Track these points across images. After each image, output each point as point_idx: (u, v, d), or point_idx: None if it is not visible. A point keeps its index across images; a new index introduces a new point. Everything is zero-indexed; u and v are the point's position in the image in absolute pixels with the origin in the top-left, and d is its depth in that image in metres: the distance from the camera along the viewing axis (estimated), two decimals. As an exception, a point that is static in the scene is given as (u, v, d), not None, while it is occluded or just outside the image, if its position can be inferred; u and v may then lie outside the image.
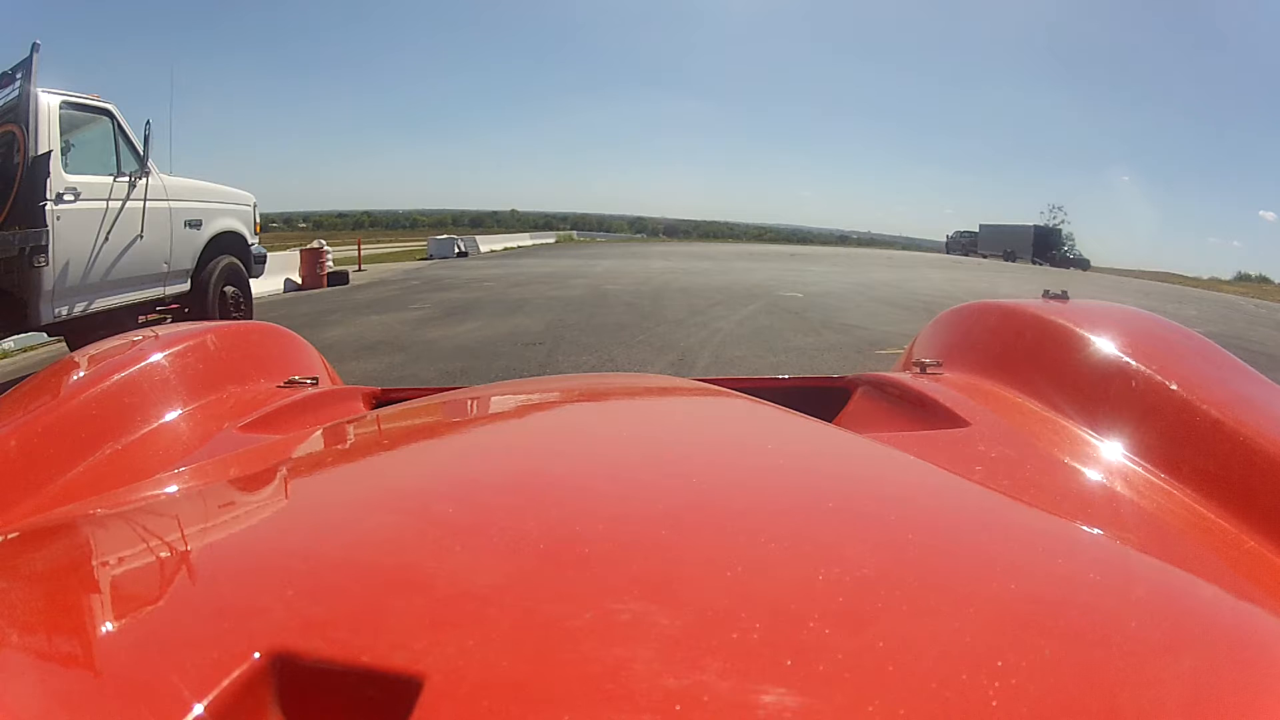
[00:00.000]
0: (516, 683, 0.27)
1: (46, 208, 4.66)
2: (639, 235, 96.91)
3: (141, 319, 5.68)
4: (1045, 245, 45.50)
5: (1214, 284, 36.24)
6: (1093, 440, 0.67)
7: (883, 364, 5.21)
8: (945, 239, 57.59)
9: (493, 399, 0.83)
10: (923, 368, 0.96)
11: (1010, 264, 36.64)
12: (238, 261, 6.66)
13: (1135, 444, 0.64)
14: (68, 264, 4.87)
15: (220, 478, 0.62)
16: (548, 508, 0.43)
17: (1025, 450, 0.67)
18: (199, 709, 0.27)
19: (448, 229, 74.22)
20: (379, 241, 37.29)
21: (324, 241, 14.42)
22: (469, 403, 0.82)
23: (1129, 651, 0.30)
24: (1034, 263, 40.67)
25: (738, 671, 0.27)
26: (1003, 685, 0.26)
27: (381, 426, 0.72)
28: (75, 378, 0.81)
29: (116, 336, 0.97)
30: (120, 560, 0.45)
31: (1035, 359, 0.83)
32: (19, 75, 4.83)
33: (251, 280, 6.96)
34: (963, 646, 0.29)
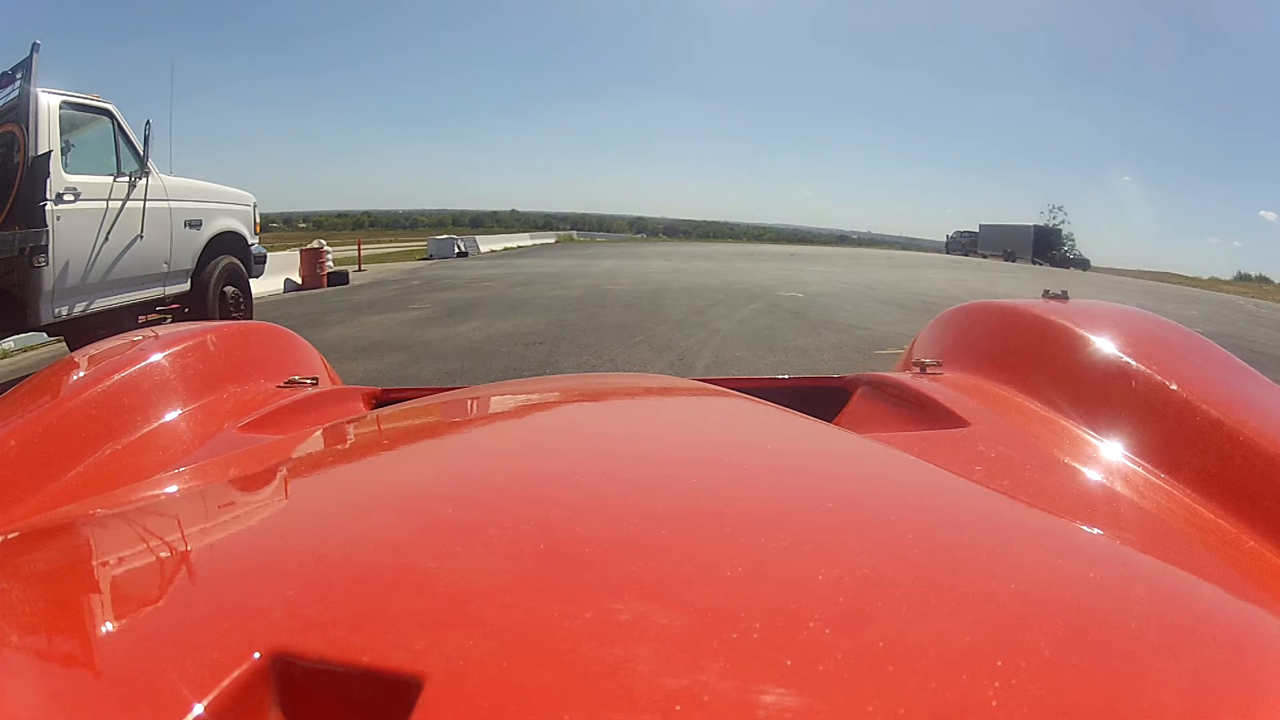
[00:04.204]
0: (516, 683, 0.27)
1: (46, 208, 4.66)
2: (639, 235, 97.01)
3: (141, 319, 5.68)
4: (1045, 245, 45.47)
5: (1214, 284, 36.22)
6: (1093, 440, 0.67)
7: (883, 364, 5.21)
8: (945, 239, 57.57)
9: (493, 399, 0.83)
10: (923, 368, 0.96)
11: (1010, 264, 36.62)
12: (238, 261, 6.66)
13: (1135, 444, 0.64)
14: (68, 264, 4.87)
15: (220, 478, 0.62)
16: (548, 508, 0.43)
17: (1025, 450, 0.67)
18: (199, 709, 0.27)
19: (448, 229, 74.29)
20: (379, 241, 37.29)
21: (324, 241, 14.41)
22: (469, 403, 0.82)
23: (1129, 651, 0.30)
24: (1034, 263, 40.66)
25: (738, 671, 0.27)
26: (1003, 685, 0.26)
27: (381, 426, 0.72)
28: (75, 378, 0.81)
29: (116, 336, 0.97)
30: (120, 560, 0.45)
31: (1035, 359, 0.83)
32: (19, 75, 4.83)
33: (251, 280, 6.96)
34: (963, 646, 0.29)
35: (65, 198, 4.82)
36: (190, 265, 6.12)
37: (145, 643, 0.33)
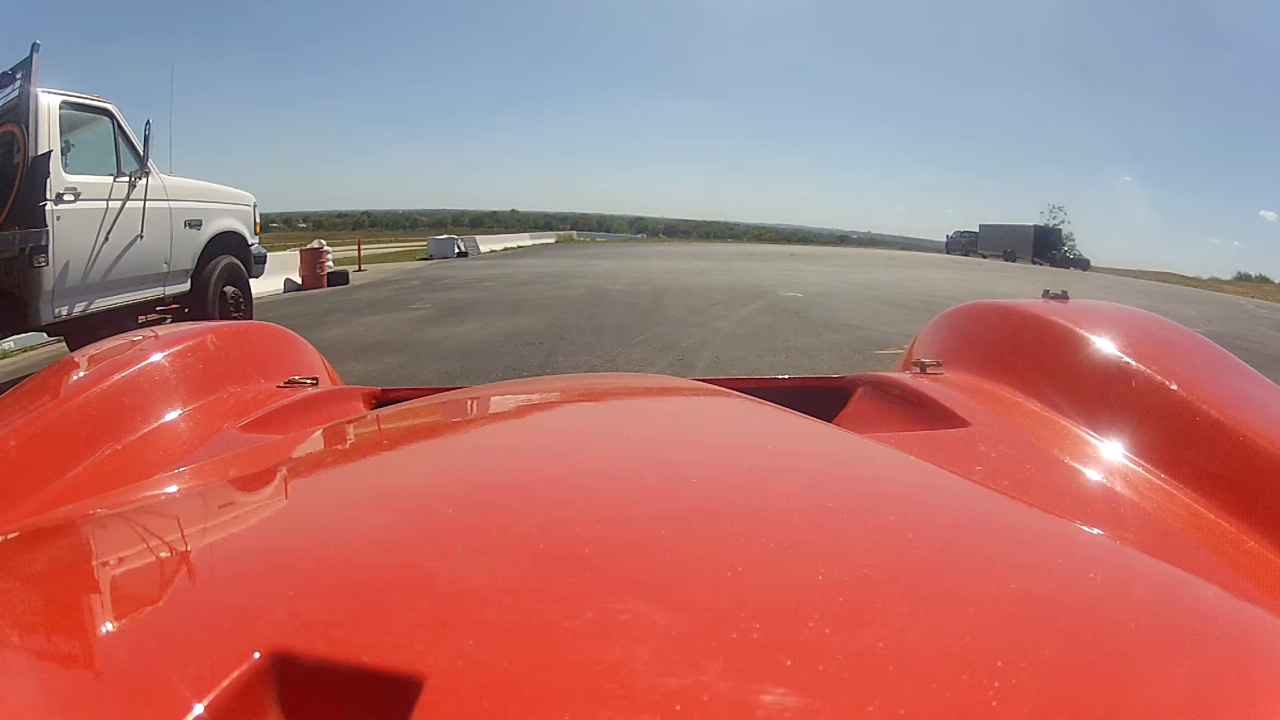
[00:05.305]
0: (516, 683, 0.27)
1: (46, 208, 4.66)
2: (639, 235, 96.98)
3: (141, 319, 5.68)
4: (1045, 245, 45.45)
5: (1214, 284, 36.25)
6: (1093, 440, 0.67)
7: (883, 364, 5.21)
8: (945, 239, 57.57)
9: (493, 399, 0.83)
10: (923, 368, 0.96)
11: (1010, 264, 36.63)
12: (238, 261, 6.66)
13: (1135, 444, 0.64)
14: (68, 264, 4.86)
15: (220, 478, 0.62)
16: (548, 508, 0.43)
17: (1025, 450, 0.67)
18: (199, 709, 0.27)
19: (448, 229, 74.23)
20: (379, 241, 37.30)
21: (324, 241, 14.42)
22: (469, 403, 0.82)
23: (1129, 651, 0.30)
24: (1034, 263, 40.65)
25: (738, 671, 0.27)
26: (1003, 685, 0.26)
27: (381, 426, 0.72)
28: (75, 378, 0.81)
29: (116, 336, 0.97)
30: (120, 560, 0.45)
31: (1035, 359, 0.83)
32: (19, 75, 4.83)
33: (251, 280, 6.96)
34: (963, 646, 0.29)
35: (65, 198, 4.82)
36: (190, 265, 6.12)
37: (145, 643, 0.33)
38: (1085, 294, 1.05)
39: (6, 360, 6.57)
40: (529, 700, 0.26)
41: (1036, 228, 49.16)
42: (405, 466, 0.57)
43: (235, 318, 6.47)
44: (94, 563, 0.45)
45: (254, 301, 7.02)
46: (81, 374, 0.82)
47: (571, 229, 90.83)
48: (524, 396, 0.83)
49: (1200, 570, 0.48)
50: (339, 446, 0.70)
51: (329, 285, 13.03)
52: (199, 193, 6.27)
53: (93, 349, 0.93)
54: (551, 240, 46.39)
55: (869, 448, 0.58)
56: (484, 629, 0.30)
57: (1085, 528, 0.49)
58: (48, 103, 4.83)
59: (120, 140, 5.41)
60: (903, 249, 63.42)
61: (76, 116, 5.16)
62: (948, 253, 50.39)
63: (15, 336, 5.86)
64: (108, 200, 5.20)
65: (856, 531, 0.40)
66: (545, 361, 5.74)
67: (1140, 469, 0.61)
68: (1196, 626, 0.34)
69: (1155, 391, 0.67)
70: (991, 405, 0.77)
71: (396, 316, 8.61)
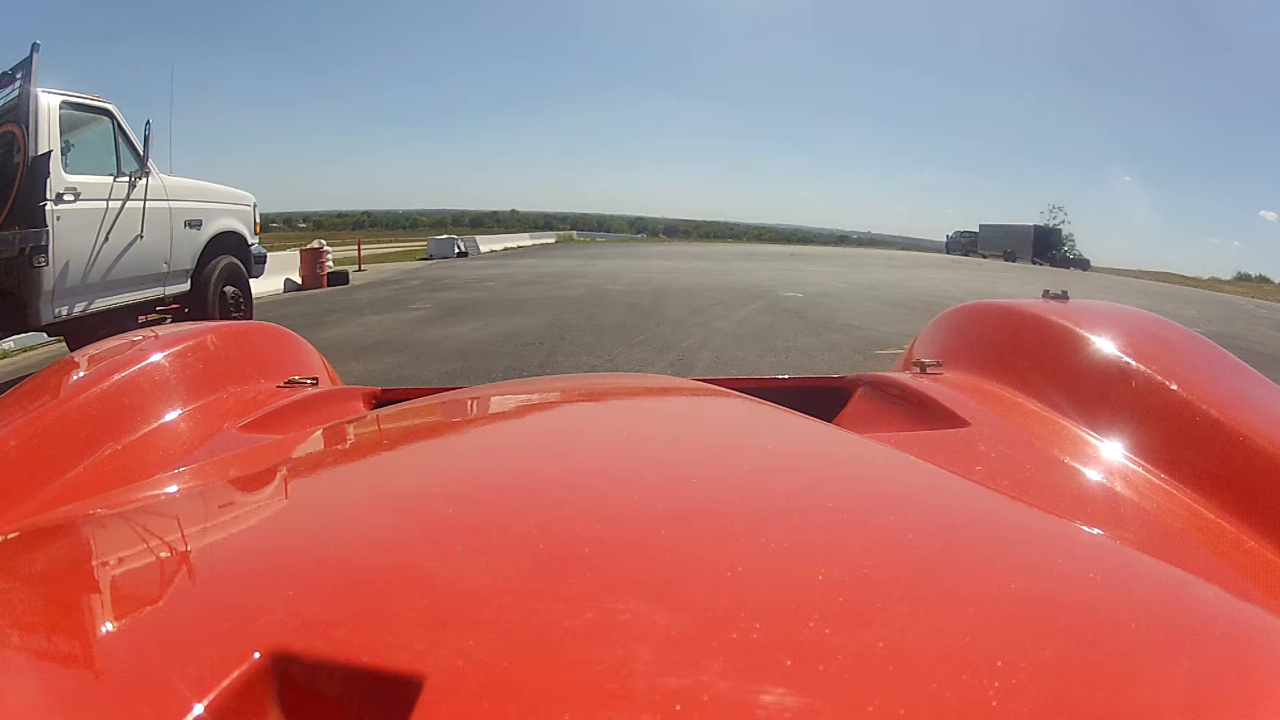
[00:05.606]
0: (516, 683, 0.27)
1: (46, 208, 4.66)
2: (639, 235, 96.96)
3: (141, 319, 5.68)
4: (1045, 245, 45.45)
5: (1214, 284, 36.28)
6: (1093, 440, 0.67)
7: (883, 364, 5.21)
8: (945, 239, 57.59)
9: (493, 399, 0.83)
10: (923, 368, 0.96)
11: (1010, 264, 36.63)
12: (238, 261, 6.66)
13: (1135, 444, 0.64)
14: (68, 264, 4.87)
15: (220, 478, 0.62)
16: (548, 508, 0.43)
17: (1025, 450, 0.67)
18: (199, 709, 0.27)
19: (448, 229, 74.18)
20: (379, 241, 37.32)
21: (324, 241, 14.43)
22: (469, 403, 0.82)
23: (1129, 651, 0.30)
24: (1034, 263, 40.66)
25: (738, 671, 0.27)
26: (1003, 685, 0.26)
27: (381, 426, 0.72)
28: (75, 378, 0.81)
29: (116, 336, 0.97)
30: (120, 560, 0.45)
31: (1035, 359, 0.83)
32: (19, 75, 4.83)
33: (251, 280, 6.96)
34: (963, 646, 0.29)
35: (65, 198, 4.82)
36: (190, 265, 6.12)
37: (145, 643, 0.33)
38: (1085, 294, 1.05)
39: (6, 360, 6.57)
40: (529, 700, 0.26)
41: (1036, 228, 49.14)
42: (405, 466, 0.57)
43: (235, 318, 6.48)
44: (94, 563, 0.45)
45: (254, 301, 7.02)
46: (81, 374, 0.82)
47: (571, 229, 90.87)
48: (524, 396, 0.83)
49: (1200, 570, 0.48)
50: (339, 446, 0.70)
51: (329, 285, 13.03)
52: (199, 193, 6.27)
53: (93, 349, 0.93)
54: (551, 240, 46.38)
55: (869, 448, 0.58)
56: (484, 629, 0.30)
57: (1085, 528, 0.49)
58: (48, 103, 4.83)
59: (120, 140, 5.41)
60: (903, 249, 63.35)
61: (76, 116, 5.16)
62: (948, 253, 50.39)
63: (15, 336, 5.86)
64: (108, 200, 5.21)
65: (856, 531, 0.40)
66: (545, 361, 5.74)
67: (1140, 469, 0.61)
68: (1196, 626, 0.34)
69: (1155, 391, 0.67)
70: (991, 405, 0.77)
71: (396, 316, 8.61)
